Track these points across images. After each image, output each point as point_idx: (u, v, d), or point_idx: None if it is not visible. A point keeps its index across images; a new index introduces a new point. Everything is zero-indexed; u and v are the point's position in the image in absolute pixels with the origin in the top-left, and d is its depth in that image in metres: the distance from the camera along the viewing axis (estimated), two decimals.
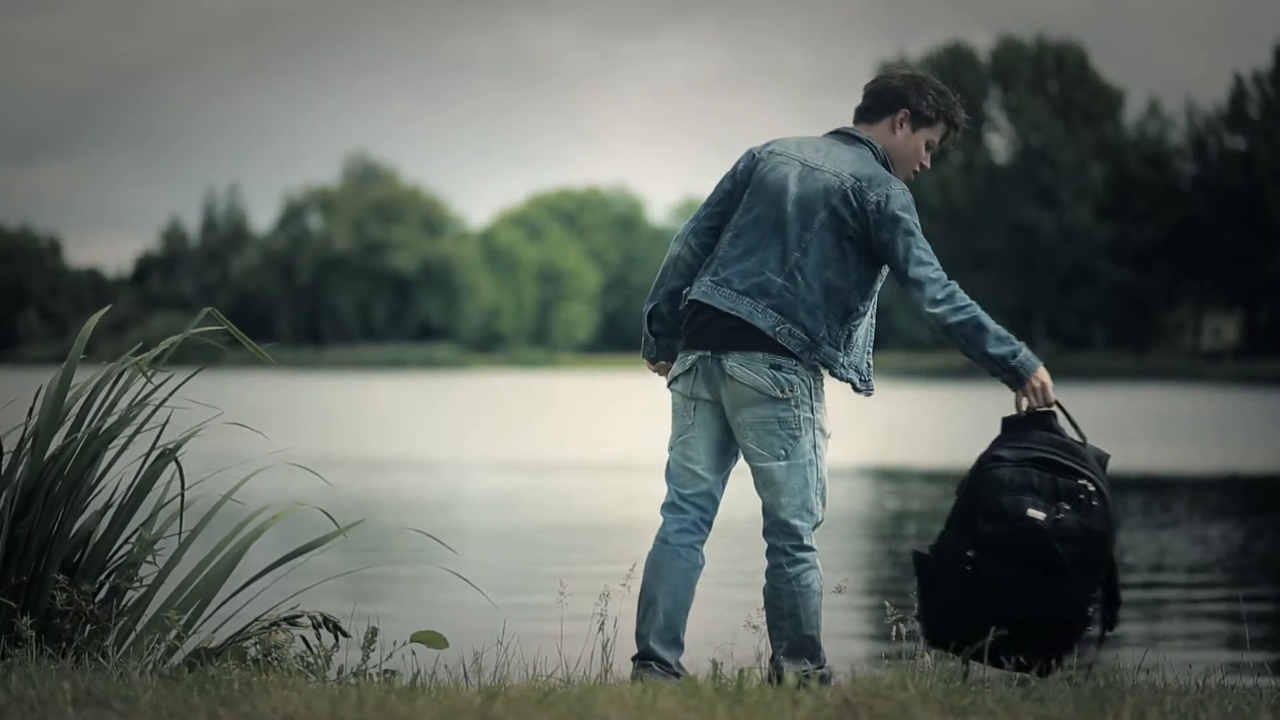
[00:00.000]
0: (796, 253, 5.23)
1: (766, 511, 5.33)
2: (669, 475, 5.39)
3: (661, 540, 5.34)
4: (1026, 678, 5.04)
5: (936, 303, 5.15)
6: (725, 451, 5.36)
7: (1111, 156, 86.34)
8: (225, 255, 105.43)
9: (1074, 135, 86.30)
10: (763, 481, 5.28)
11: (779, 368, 5.19)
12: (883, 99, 5.44)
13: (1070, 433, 5.18)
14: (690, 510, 5.34)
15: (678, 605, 5.28)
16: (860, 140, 5.41)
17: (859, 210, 5.24)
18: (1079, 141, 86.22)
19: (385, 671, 5.36)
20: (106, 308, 6.24)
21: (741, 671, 5.04)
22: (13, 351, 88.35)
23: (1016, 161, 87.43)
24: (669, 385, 5.39)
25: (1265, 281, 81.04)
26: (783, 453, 5.22)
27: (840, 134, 5.44)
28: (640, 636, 5.27)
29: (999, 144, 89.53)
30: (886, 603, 5.83)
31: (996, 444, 5.18)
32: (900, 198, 5.26)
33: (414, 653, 5.52)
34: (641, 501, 17.66)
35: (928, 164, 5.51)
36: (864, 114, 5.48)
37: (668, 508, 5.37)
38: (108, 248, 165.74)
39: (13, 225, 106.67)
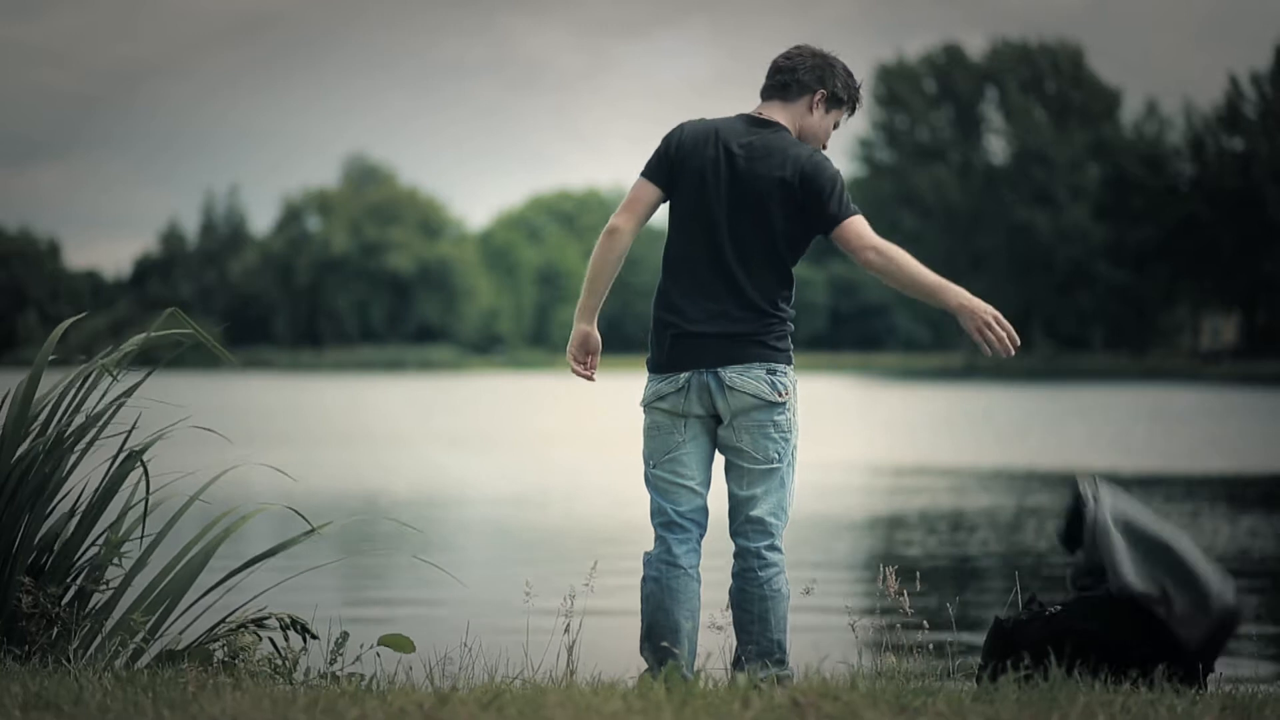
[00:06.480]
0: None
1: (738, 511, 5.35)
2: (660, 494, 5.37)
3: (669, 564, 5.32)
4: (982, 678, 5.11)
5: None
6: (710, 463, 5.41)
7: (1109, 157, 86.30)
8: (224, 257, 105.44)
9: (1071, 136, 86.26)
10: (747, 481, 5.32)
11: (774, 372, 5.27)
12: (801, 78, 5.46)
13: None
14: (692, 528, 5.35)
15: (696, 628, 5.32)
16: (770, 123, 5.42)
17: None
18: (1076, 142, 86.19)
19: (349, 675, 5.37)
20: (79, 315, 6.23)
21: (699, 672, 5.06)
22: (12, 354, 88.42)
23: (1013, 162, 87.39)
24: (650, 404, 5.37)
25: (1263, 282, 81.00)
26: (775, 455, 5.30)
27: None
28: (661, 661, 5.21)
29: (996, 145, 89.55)
30: (847, 606, 5.85)
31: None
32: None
33: (379, 654, 5.54)
34: (629, 506, 17.66)
35: (828, 144, 5.55)
36: (780, 91, 5.47)
37: (666, 527, 5.36)
38: (106, 250, 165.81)
39: (12, 227, 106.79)
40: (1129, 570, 5.25)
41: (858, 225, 5.27)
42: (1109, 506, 5.36)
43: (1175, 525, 5.33)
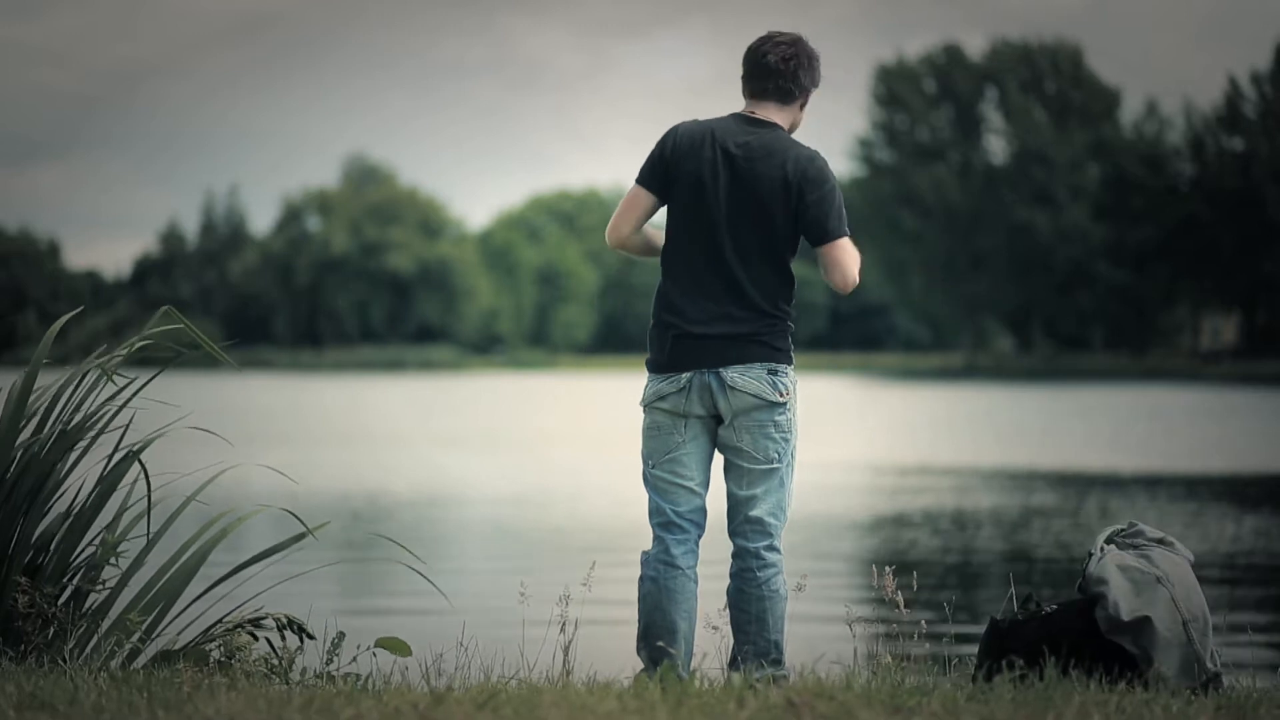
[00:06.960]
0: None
1: (737, 511, 5.36)
2: (659, 494, 5.38)
3: (666, 564, 5.33)
4: (977, 678, 5.12)
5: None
6: (709, 464, 5.43)
7: (1109, 157, 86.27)
8: (224, 257, 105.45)
9: (1071, 136, 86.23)
10: (746, 481, 5.33)
11: (775, 372, 5.29)
12: (802, 82, 5.47)
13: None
14: (690, 529, 5.37)
15: (693, 629, 5.33)
16: (765, 123, 5.43)
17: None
18: (1076, 142, 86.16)
19: (344, 675, 5.37)
20: (76, 310, 6.23)
21: (694, 672, 5.06)
22: (12, 354, 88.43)
23: (1013, 162, 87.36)
24: (651, 404, 5.38)
25: (1263, 282, 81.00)
26: (775, 455, 5.31)
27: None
28: (657, 661, 5.22)
29: (996, 145, 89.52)
30: (844, 605, 5.84)
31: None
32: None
33: (374, 655, 5.54)
34: (628, 506, 17.66)
35: None
36: (781, 95, 5.47)
37: (664, 527, 5.37)
38: (106, 250, 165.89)
39: (12, 227, 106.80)
40: (1118, 594, 5.25)
41: (851, 247, 5.33)
42: (1112, 556, 5.40)
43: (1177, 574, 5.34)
